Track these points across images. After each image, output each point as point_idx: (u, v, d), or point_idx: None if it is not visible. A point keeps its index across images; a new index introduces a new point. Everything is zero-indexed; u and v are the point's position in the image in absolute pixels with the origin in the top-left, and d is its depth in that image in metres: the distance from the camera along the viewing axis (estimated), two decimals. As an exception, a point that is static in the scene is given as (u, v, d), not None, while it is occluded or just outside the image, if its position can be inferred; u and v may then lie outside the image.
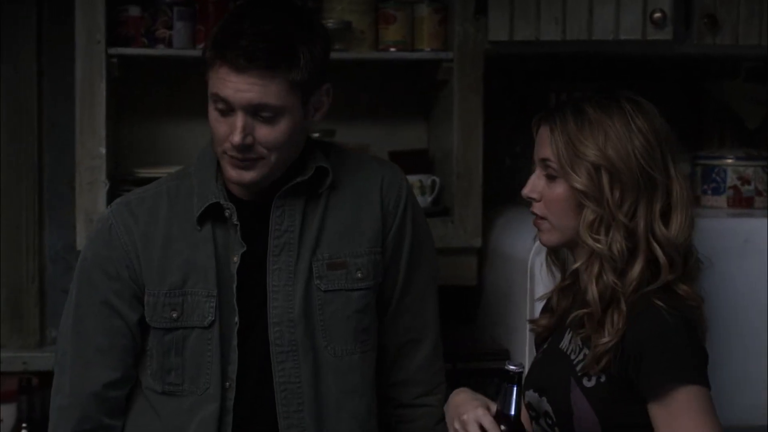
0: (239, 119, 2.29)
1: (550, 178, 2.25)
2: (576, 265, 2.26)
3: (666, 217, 2.21)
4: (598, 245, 2.19)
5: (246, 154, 2.31)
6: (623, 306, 2.16)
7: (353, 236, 2.44)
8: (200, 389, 2.38)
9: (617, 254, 2.18)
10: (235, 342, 2.38)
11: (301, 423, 2.39)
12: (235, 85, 2.27)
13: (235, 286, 2.38)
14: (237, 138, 2.28)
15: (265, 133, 2.31)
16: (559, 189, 2.24)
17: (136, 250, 2.40)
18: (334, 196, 2.44)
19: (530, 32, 3.05)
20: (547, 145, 2.25)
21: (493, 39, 3.07)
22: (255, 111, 2.29)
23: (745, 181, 3.04)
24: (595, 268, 2.20)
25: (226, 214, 2.39)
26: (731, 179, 3.05)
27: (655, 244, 2.19)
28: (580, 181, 2.20)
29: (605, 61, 3.46)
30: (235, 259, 2.38)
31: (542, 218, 2.28)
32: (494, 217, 3.20)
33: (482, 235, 3.13)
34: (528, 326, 2.47)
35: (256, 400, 2.39)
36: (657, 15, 3.02)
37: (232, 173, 2.34)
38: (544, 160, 2.26)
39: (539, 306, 2.48)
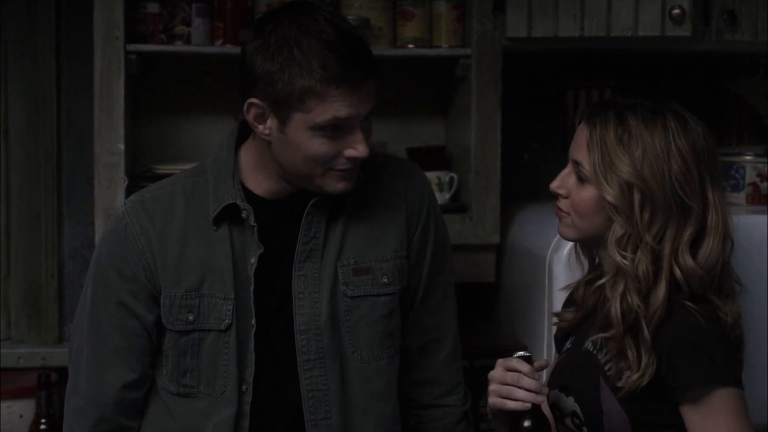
0: (358, 132, 2.27)
1: (581, 180, 2.22)
2: (603, 280, 2.23)
3: (696, 244, 2.17)
4: (625, 262, 2.15)
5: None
6: (647, 335, 2.13)
7: (378, 241, 2.41)
8: (216, 392, 2.35)
9: (642, 275, 2.15)
10: (252, 345, 2.35)
11: (329, 430, 2.36)
12: (355, 101, 2.23)
13: (252, 288, 2.35)
14: (365, 149, 2.27)
15: (368, 137, 2.31)
16: (588, 193, 2.21)
17: (152, 250, 2.36)
18: (358, 200, 2.40)
19: (548, 29, 3.05)
20: (583, 147, 2.21)
21: (511, 35, 3.07)
22: (364, 118, 2.28)
23: (765, 177, 3.04)
24: (620, 287, 2.16)
25: (243, 215, 2.35)
26: (750, 176, 3.04)
27: (676, 269, 2.14)
28: (611, 194, 2.16)
29: (623, 59, 3.46)
30: (253, 260, 2.35)
31: (566, 213, 2.26)
32: (512, 214, 3.20)
33: (500, 232, 3.12)
34: (552, 320, 2.46)
35: (276, 405, 2.36)
36: (676, 11, 3.01)
37: (340, 185, 2.31)
38: (577, 162, 2.23)
39: (560, 298, 2.47)
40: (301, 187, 2.35)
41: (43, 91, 3.34)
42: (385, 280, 2.41)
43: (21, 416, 3.20)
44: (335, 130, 2.24)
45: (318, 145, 2.25)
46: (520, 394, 2.16)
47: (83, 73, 3.20)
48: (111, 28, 2.97)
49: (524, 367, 2.17)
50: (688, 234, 2.16)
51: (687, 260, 2.15)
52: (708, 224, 2.17)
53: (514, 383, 2.16)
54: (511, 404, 2.16)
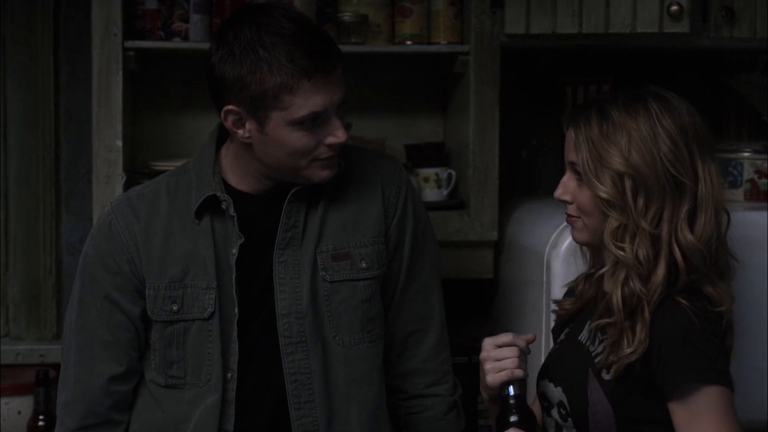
0: (335, 119, 2.33)
1: (580, 180, 2.24)
2: (603, 270, 2.24)
3: (692, 219, 2.18)
4: (621, 253, 2.17)
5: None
6: (647, 315, 2.14)
7: (356, 227, 2.46)
8: (202, 381, 2.40)
9: (643, 261, 2.16)
10: (235, 333, 2.40)
11: (313, 413, 2.41)
12: (327, 89, 2.29)
13: (234, 277, 2.40)
14: (344, 134, 2.33)
15: (342, 122, 2.35)
16: (586, 193, 2.22)
17: (137, 244, 2.42)
18: (336, 190, 2.46)
19: (547, 25, 3.05)
20: (572, 149, 2.23)
21: (509, 32, 3.07)
22: (337, 107, 2.33)
23: (762, 174, 3.03)
24: (621, 275, 2.18)
25: (223, 206, 2.40)
26: (748, 172, 3.03)
27: (676, 248, 2.16)
28: (603, 190, 2.18)
29: (621, 56, 3.46)
30: (234, 251, 2.40)
31: (576, 217, 2.27)
32: (510, 210, 3.20)
33: (498, 228, 3.12)
34: (552, 307, 2.46)
35: (260, 391, 2.41)
36: (674, 8, 3.02)
37: (324, 173, 2.37)
38: (571, 164, 2.24)
39: (558, 293, 2.47)
40: (282, 181, 2.40)
41: (41, 87, 3.35)
42: (364, 265, 2.46)
43: (19, 413, 3.21)
44: (313, 121, 2.30)
45: (299, 139, 2.32)
46: (515, 361, 2.21)
47: (82, 69, 3.21)
48: (109, 25, 2.97)
49: (520, 341, 2.23)
50: (684, 211, 2.17)
51: (687, 236, 2.16)
52: (699, 198, 2.18)
53: (513, 355, 2.21)
54: (503, 375, 2.21)
